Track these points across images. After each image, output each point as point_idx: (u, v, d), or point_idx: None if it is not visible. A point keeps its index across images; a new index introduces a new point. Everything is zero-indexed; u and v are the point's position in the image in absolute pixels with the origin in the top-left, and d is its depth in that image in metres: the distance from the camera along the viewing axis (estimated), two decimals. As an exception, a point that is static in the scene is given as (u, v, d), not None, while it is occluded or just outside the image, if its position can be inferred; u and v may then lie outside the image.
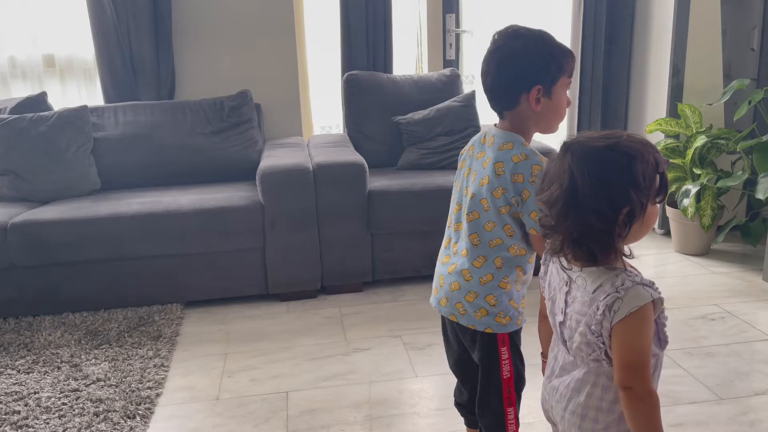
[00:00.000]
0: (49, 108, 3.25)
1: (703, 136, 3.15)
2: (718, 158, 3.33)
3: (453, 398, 1.75)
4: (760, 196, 2.87)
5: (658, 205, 1.10)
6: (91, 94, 3.55)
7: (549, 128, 1.46)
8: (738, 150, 3.20)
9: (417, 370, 2.31)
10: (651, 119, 3.60)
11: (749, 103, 3.16)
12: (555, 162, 1.11)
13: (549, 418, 1.26)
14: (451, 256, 1.52)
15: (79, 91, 3.54)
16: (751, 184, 3.18)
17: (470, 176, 1.48)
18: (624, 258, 1.11)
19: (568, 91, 1.45)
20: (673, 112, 3.43)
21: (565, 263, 1.15)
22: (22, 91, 3.45)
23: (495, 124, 1.49)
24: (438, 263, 1.58)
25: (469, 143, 1.55)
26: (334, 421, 2.02)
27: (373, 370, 2.32)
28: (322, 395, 2.17)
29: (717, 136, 3.22)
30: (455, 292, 1.47)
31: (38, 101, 3.23)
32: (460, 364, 1.62)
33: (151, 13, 3.35)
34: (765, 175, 2.92)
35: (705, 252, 3.36)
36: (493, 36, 1.43)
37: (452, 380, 2.20)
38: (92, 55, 3.44)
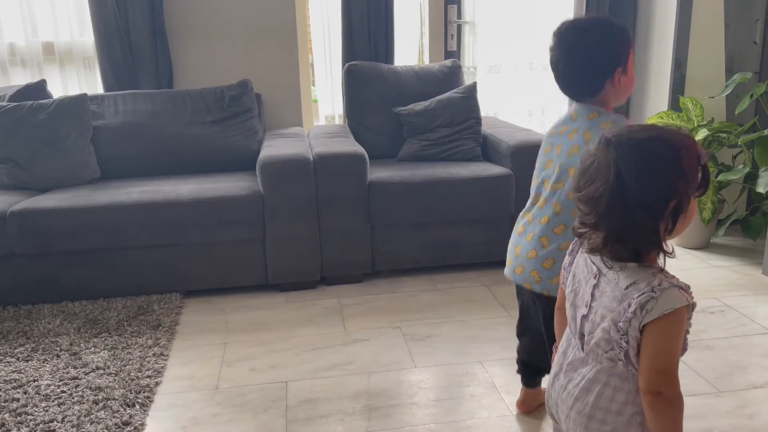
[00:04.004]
0: (48, 96, 3.23)
1: (704, 130, 3.14)
2: (719, 152, 3.32)
3: (517, 356, 1.91)
4: (760, 190, 2.87)
5: (696, 199, 1.06)
6: (91, 83, 3.54)
7: (623, 99, 1.54)
8: (739, 144, 3.19)
9: (416, 361, 2.31)
10: (653, 112, 3.60)
11: (751, 96, 3.15)
12: (596, 158, 1.06)
13: (552, 415, 1.24)
14: (527, 225, 1.58)
15: (79, 79, 3.52)
16: (751, 178, 3.18)
17: (553, 150, 1.55)
18: (663, 257, 1.07)
19: None
20: (674, 105, 3.42)
21: (601, 260, 1.11)
22: (21, 78, 3.43)
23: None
24: (513, 235, 1.66)
25: (553, 124, 1.62)
26: (333, 410, 2.02)
27: (372, 360, 2.32)
28: (321, 385, 2.17)
29: (718, 130, 3.21)
30: (532, 260, 1.53)
31: (38, 89, 3.21)
32: (536, 331, 1.68)
33: (148, 2, 3.33)
34: (766, 169, 2.92)
35: (705, 246, 3.35)
36: (555, 35, 1.48)
37: (451, 372, 2.23)
38: (92, 43, 3.42)
